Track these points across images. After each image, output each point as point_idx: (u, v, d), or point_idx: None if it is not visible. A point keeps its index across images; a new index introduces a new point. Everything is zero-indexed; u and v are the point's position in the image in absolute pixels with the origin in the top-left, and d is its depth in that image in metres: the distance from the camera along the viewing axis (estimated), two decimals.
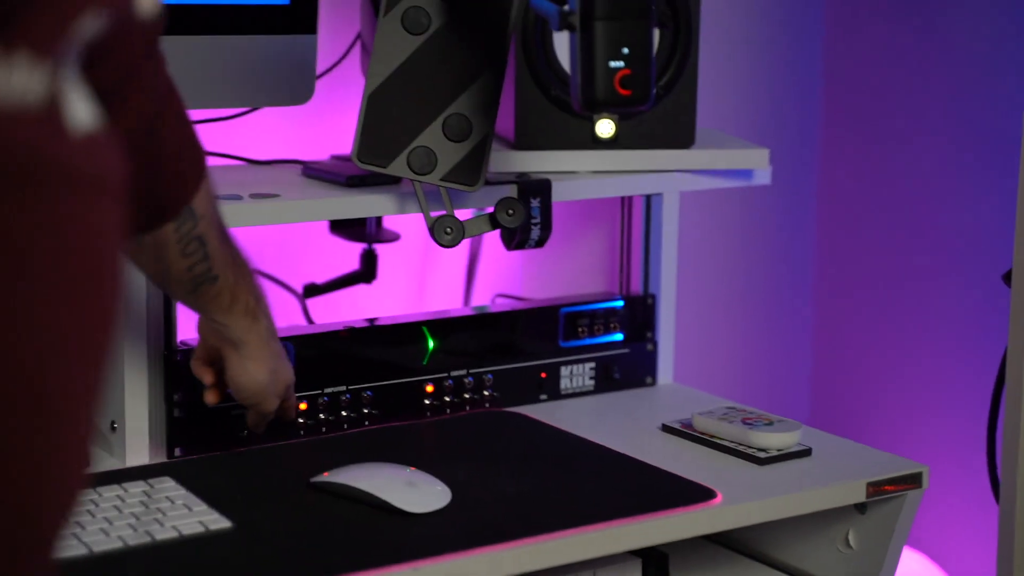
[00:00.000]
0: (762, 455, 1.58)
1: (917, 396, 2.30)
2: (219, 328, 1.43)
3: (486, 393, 1.74)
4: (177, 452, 1.56)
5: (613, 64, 1.38)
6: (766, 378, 2.44)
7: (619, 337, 1.83)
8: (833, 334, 2.44)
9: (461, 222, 1.56)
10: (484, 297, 2.06)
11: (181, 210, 1.31)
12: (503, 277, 2.08)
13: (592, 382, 1.82)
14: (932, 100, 2.25)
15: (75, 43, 0.74)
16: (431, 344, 1.71)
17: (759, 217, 2.39)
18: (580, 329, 1.80)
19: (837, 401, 2.44)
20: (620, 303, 1.83)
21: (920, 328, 2.30)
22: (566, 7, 1.42)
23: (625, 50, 1.38)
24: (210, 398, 1.52)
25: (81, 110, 0.74)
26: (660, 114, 1.75)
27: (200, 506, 1.39)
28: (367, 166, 1.56)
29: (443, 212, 1.56)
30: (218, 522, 1.36)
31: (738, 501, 1.49)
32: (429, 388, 1.71)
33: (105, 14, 0.76)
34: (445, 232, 1.56)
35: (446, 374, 1.72)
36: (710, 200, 2.28)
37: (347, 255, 1.94)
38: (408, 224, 1.92)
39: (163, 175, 1.28)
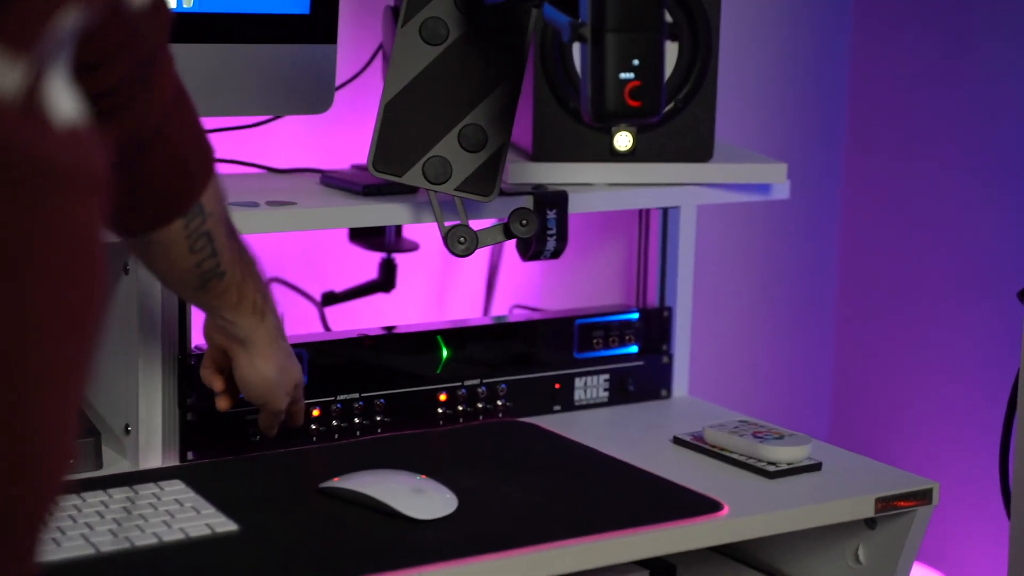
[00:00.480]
0: (771, 469, 1.58)
1: (937, 411, 2.30)
2: (226, 326, 1.44)
3: (499, 403, 1.75)
4: (190, 456, 1.57)
5: (623, 76, 1.38)
6: (785, 393, 2.43)
7: (634, 349, 1.83)
8: (853, 348, 2.43)
9: (475, 232, 1.57)
10: (502, 307, 2.07)
11: (190, 207, 1.33)
12: (522, 288, 2.09)
13: (606, 394, 1.82)
14: (957, 117, 2.25)
15: (58, 38, 0.74)
16: (445, 353, 1.71)
17: (782, 231, 2.39)
18: (595, 341, 1.81)
19: (856, 416, 2.43)
20: (635, 315, 1.83)
21: (941, 344, 2.29)
22: (577, 19, 1.43)
23: (636, 62, 1.38)
24: (222, 404, 1.53)
25: (64, 104, 0.75)
26: (678, 127, 1.76)
27: (208, 509, 1.40)
28: (382, 175, 1.57)
29: (459, 222, 1.57)
30: (225, 525, 1.37)
31: (745, 514, 1.49)
32: (442, 397, 1.71)
33: (90, 9, 0.77)
34: (459, 241, 1.57)
35: (460, 383, 1.72)
36: (733, 213, 2.29)
37: (367, 264, 1.96)
38: (429, 234, 1.93)
39: (172, 173, 1.30)
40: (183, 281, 1.39)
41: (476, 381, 1.73)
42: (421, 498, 1.43)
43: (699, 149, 1.77)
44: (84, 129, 0.76)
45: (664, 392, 1.86)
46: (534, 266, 2.04)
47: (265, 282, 1.46)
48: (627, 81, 1.39)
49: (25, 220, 0.72)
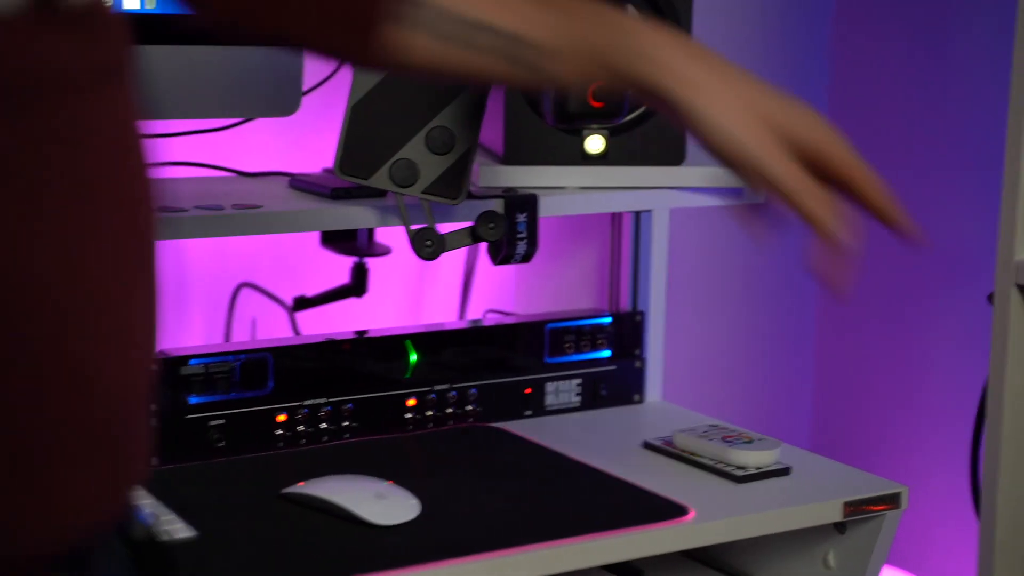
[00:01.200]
0: (740, 473, 1.57)
1: (918, 413, 2.28)
2: (641, 90, 1.02)
3: (469, 408, 1.74)
4: (153, 462, 1.56)
5: None
6: (767, 396, 2.42)
7: (607, 354, 1.82)
8: (833, 349, 2.42)
9: (441, 235, 1.56)
10: (477, 312, 2.06)
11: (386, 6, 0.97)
12: (497, 292, 2.08)
13: (578, 399, 1.81)
14: (935, 118, 2.24)
15: None
16: (413, 358, 1.70)
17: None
18: (567, 345, 1.79)
19: (837, 418, 2.42)
20: (608, 320, 1.82)
21: (922, 345, 2.28)
22: None
23: None
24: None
25: None
26: (650, 130, 1.75)
27: (168, 515, 1.39)
28: (349, 178, 1.55)
29: (425, 225, 1.56)
30: (183, 531, 1.36)
31: (711, 518, 1.48)
32: (411, 402, 1.70)
33: None
34: (425, 244, 1.56)
35: (429, 388, 1.71)
36: (710, 215, 2.27)
37: (340, 269, 1.94)
38: (403, 238, 1.91)
39: None
40: (511, 83, 1.12)
41: (446, 386, 1.72)
42: (383, 503, 1.42)
43: (671, 152, 1.76)
44: (95, 10, 0.72)
45: (637, 397, 1.85)
46: (509, 271, 2.03)
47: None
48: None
49: (43, 136, 0.69)
